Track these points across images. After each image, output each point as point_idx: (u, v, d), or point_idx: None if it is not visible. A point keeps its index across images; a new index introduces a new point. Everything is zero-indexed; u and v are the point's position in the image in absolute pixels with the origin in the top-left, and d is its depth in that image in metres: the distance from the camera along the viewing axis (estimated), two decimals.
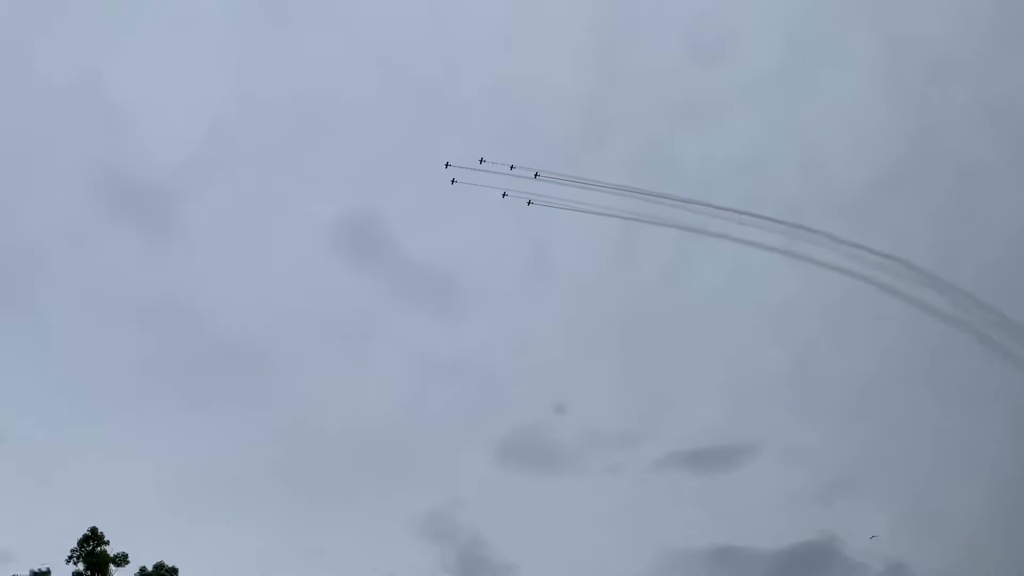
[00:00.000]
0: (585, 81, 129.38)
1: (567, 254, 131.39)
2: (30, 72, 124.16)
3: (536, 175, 71.12)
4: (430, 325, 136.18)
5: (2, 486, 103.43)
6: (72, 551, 52.76)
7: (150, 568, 54.82)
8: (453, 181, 70.55)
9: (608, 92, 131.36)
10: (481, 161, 69.72)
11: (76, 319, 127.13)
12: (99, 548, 53.20)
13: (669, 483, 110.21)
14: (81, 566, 52.51)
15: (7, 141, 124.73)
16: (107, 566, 53.24)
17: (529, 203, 72.97)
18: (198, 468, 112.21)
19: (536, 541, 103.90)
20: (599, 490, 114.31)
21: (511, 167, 69.99)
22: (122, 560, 54.04)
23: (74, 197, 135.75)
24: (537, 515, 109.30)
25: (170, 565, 55.28)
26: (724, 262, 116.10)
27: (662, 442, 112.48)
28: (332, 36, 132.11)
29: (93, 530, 53.45)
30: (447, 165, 70.79)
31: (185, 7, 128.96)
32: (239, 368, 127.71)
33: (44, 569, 51.73)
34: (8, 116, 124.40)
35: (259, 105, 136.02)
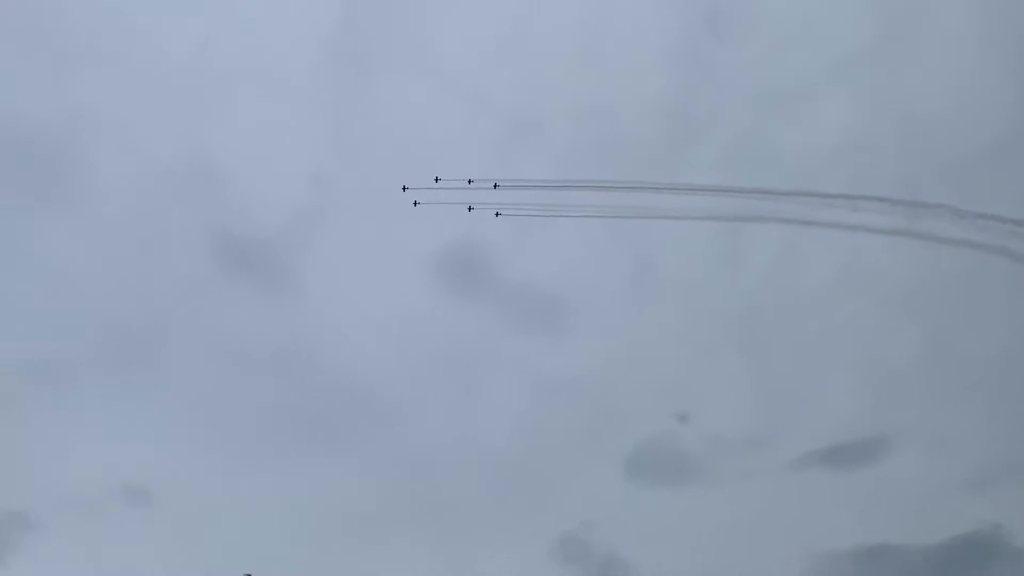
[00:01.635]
0: (666, 83, 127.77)
1: (670, 262, 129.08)
2: (144, 151, 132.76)
3: (495, 186, 69.54)
4: (540, 347, 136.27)
5: (157, 542, 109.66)
6: None
7: None
8: (416, 203, 69.55)
9: (690, 91, 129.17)
10: (437, 180, 68.61)
11: (204, 376, 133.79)
12: None
13: (807, 484, 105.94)
14: None
15: (128, 215, 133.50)
16: None
17: (497, 214, 71.24)
18: (334, 508, 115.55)
19: (674, 556, 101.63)
20: (733, 498, 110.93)
21: (469, 181, 68.66)
22: None
23: (191, 261, 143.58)
24: (672, 529, 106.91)
25: None
26: (838, 251, 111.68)
27: (794, 442, 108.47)
28: (415, 77, 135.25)
29: None
30: (404, 188, 69.70)
31: (276, 73, 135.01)
32: (362, 408, 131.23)
33: None
34: (127, 193, 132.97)
35: (352, 152, 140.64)
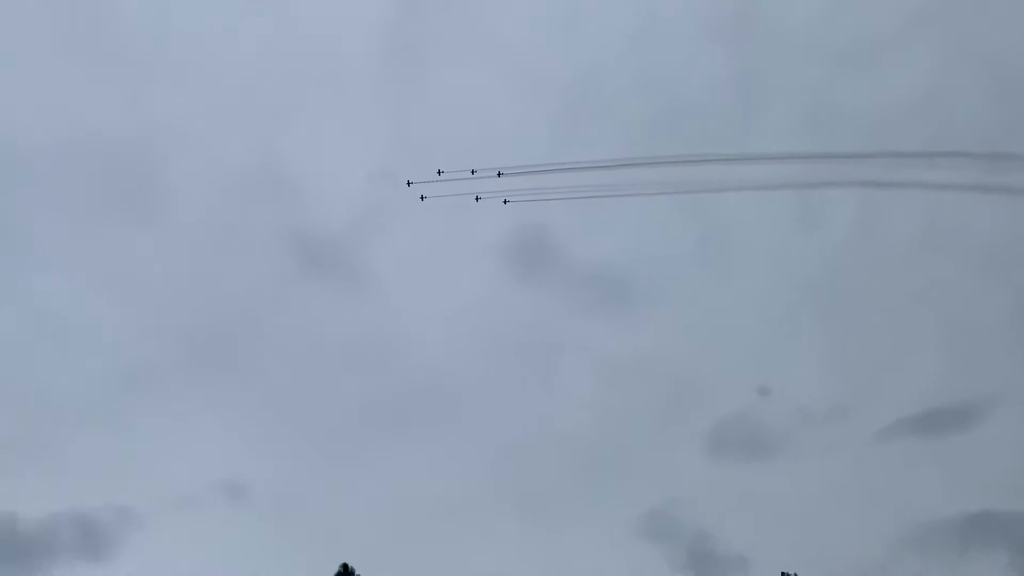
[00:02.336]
0: (728, 50, 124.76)
1: (742, 233, 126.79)
2: (218, 159, 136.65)
3: (499, 174, 67.37)
4: (612, 328, 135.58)
5: (254, 535, 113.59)
6: None
7: None
8: (423, 198, 68.77)
9: (755, 56, 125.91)
10: (440, 172, 66.92)
11: (288, 373, 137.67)
12: None
13: (898, 452, 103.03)
14: None
15: (206, 223, 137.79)
16: None
17: (505, 202, 69.98)
18: (421, 496, 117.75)
19: (762, 530, 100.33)
20: (820, 470, 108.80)
21: (472, 171, 67.06)
22: None
23: (269, 263, 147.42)
24: (758, 503, 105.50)
25: None
26: (918, 211, 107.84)
27: (882, 410, 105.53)
28: (474, 64, 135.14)
29: (344, 566, 57.24)
30: (409, 184, 68.89)
31: (338, 71, 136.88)
32: (441, 397, 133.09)
33: None
34: (204, 201, 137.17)
35: (414, 144, 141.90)
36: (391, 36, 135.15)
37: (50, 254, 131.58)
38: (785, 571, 56.86)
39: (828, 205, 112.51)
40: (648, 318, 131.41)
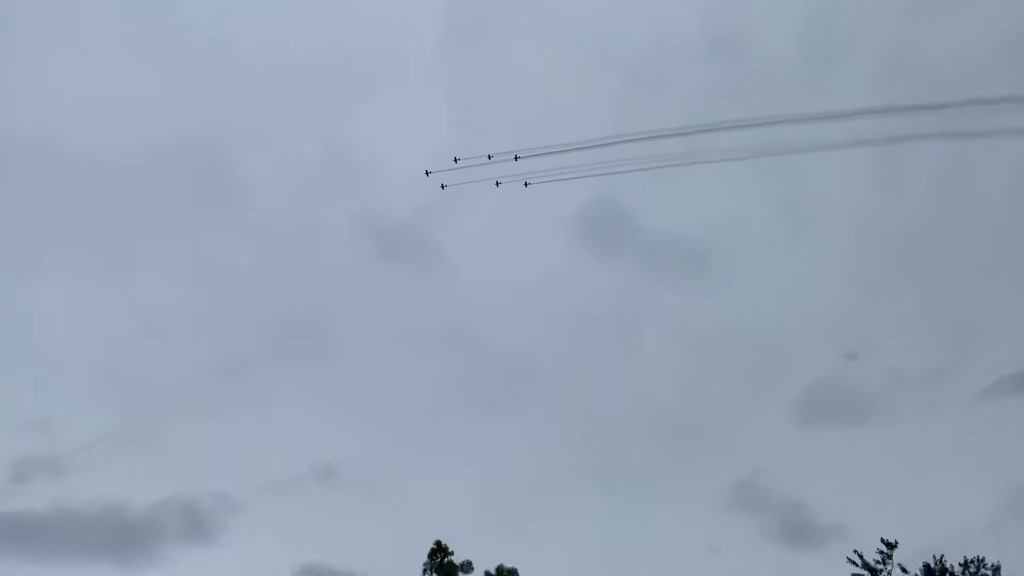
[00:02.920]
0: (800, 5, 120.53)
1: (821, 195, 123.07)
2: (289, 151, 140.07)
3: (516, 157, 66.64)
4: (692, 297, 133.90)
5: (349, 516, 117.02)
6: (424, 564, 57.97)
7: (493, 571, 58.67)
8: (443, 187, 68.15)
9: (829, 7, 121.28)
10: (456, 160, 66.78)
11: (373, 357, 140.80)
12: (446, 559, 57.96)
13: (1002, 413, 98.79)
14: None
15: (282, 214, 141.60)
16: (456, 573, 57.80)
17: (526, 184, 68.86)
18: (509, 473, 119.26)
19: (858, 497, 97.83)
20: (918, 433, 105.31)
21: (488, 156, 66.50)
22: (468, 567, 58.46)
23: (346, 251, 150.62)
24: (853, 470, 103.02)
25: (509, 566, 58.78)
26: (1007, 161, 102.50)
27: (981, 371, 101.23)
28: (534, 41, 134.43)
29: (438, 543, 58.44)
30: (427, 173, 67.75)
31: (399, 56, 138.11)
32: (524, 374, 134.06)
33: None
34: (279, 193, 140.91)
35: (479, 124, 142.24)
36: (449, 18, 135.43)
37: (144, 255, 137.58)
38: (885, 538, 55.38)
39: (911, 160, 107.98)
40: (729, 286, 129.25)
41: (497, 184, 67.85)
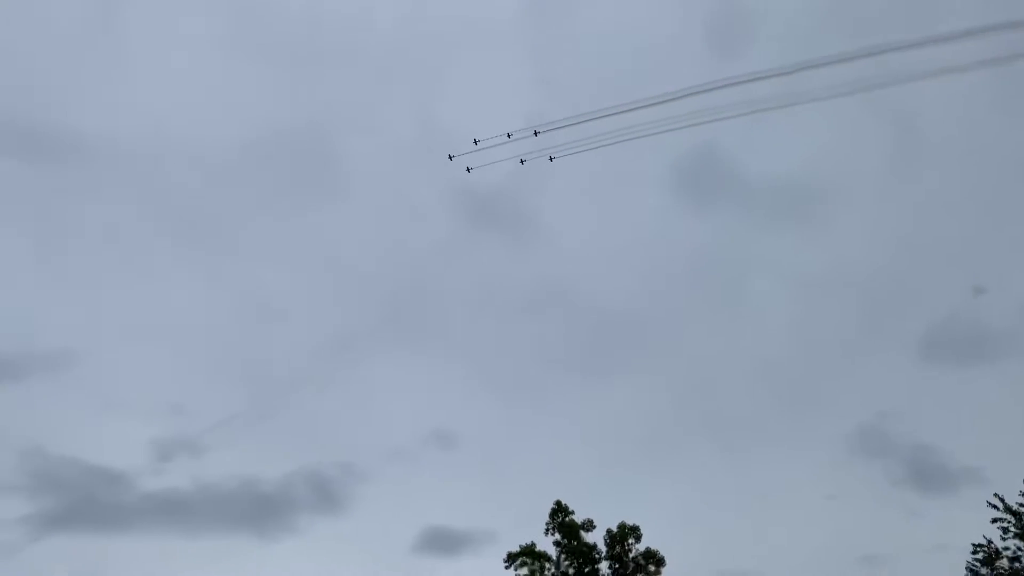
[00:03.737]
0: None
1: (936, 124, 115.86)
2: (384, 130, 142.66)
3: (536, 133, 65.13)
4: (800, 242, 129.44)
5: (467, 480, 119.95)
6: (546, 524, 58.97)
7: (615, 529, 59.11)
8: (469, 169, 67.22)
9: None
10: (476, 142, 65.67)
11: (478, 325, 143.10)
12: (567, 518, 58.76)
13: None
14: (558, 536, 58.40)
15: (381, 193, 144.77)
16: (577, 532, 58.57)
17: (551, 159, 67.13)
18: (621, 432, 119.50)
19: (993, 438, 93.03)
20: None
21: (508, 135, 65.11)
22: (589, 525, 59.10)
23: (445, 222, 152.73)
24: (985, 410, 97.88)
25: (631, 524, 59.10)
26: None
27: None
28: None
29: (558, 503, 59.26)
30: (451, 158, 67.08)
31: (482, 25, 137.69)
32: (625, 331, 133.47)
33: (529, 542, 58.55)
34: (378, 173, 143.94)
35: (565, 83, 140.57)
36: None
37: (255, 244, 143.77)
38: None
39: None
40: (839, 227, 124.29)
41: (522, 162, 67.86)
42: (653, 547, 58.01)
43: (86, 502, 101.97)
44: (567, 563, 57.78)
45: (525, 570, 57.42)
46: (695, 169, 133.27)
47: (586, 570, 57.45)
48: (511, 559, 57.87)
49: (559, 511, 58.90)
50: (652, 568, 57.38)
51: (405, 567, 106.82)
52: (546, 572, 57.40)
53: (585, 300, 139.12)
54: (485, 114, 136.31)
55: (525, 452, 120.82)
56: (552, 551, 58.21)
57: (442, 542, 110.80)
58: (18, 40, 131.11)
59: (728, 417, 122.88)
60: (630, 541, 58.45)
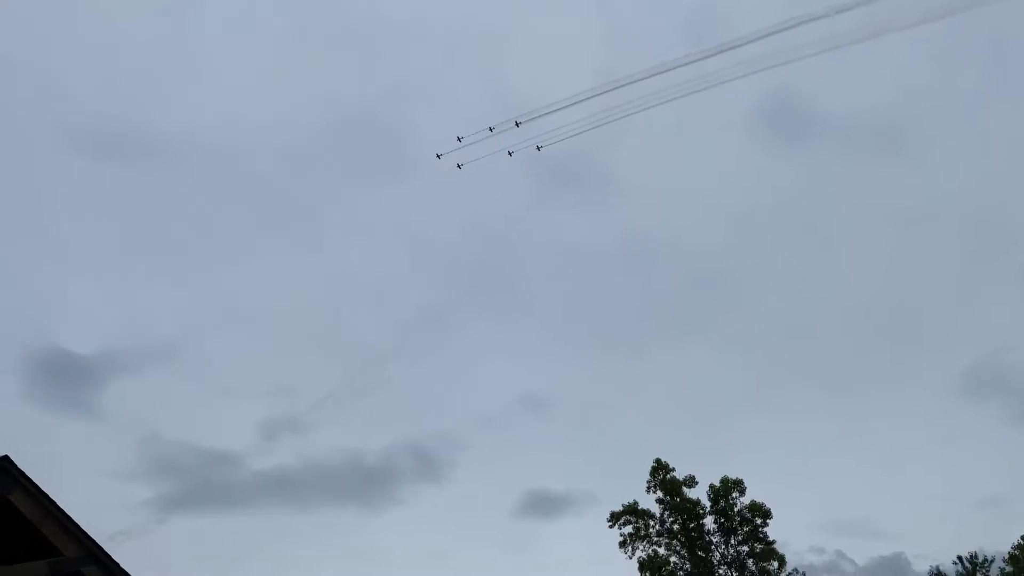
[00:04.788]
0: None
1: None
2: (456, 99, 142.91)
3: (517, 124, 64.44)
4: (895, 177, 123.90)
5: (563, 443, 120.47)
6: (647, 482, 58.88)
7: (717, 484, 58.59)
8: (459, 166, 67.00)
9: None
10: (460, 139, 65.41)
11: (562, 288, 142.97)
12: (668, 476, 58.51)
13: None
14: (660, 493, 58.29)
15: (446, 172, 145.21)
16: (680, 489, 58.28)
17: (538, 148, 66.39)
18: (718, 386, 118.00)
19: None
20: None
21: (490, 129, 64.45)
22: (690, 482, 58.72)
23: (520, 187, 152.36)
24: None
25: (734, 478, 58.44)
26: None
27: None
28: None
29: (658, 461, 59.05)
30: (439, 156, 67.17)
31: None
32: (715, 282, 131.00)
33: (631, 500, 58.58)
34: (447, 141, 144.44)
35: (632, 38, 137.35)
36: None
37: (341, 224, 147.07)
38: None
39: None
40: (933, 158, 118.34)
41: (510, 154, 68.26)
42: (758, 500, 57.24)
43: (202, 484, 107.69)
44: (671, 520, 57.63)
45: (630, 528, 57.60)
46: (775, 112, 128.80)
47: (691, 526, 57.17)
48: (614, 518, 58.11)
49: (659, 469, 58.63)
50: (759, 521, 56.65)
51: (509, 530, 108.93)
52: (650, 529, 57.42)
53: (670, 254, 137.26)
54: (554, 75, 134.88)
55: (619, 412, 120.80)
56: (655, 509, 58.15)
57: (543, 505, 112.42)
58: (98, 48, 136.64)
59: (830, 362, 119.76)
60: (734, 495, 57.77)
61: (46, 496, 14.91)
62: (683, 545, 56.50)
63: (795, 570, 54.98)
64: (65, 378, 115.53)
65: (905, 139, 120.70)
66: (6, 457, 14.74)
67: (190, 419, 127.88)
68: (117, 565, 14.88)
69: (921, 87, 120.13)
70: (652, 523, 57.65)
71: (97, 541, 15.03)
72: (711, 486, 58.67)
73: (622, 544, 57.23)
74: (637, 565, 56.14)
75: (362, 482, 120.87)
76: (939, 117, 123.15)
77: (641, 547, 57.04)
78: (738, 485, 58.26)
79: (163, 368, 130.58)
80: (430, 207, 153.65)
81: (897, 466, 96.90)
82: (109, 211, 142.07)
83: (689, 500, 57.66)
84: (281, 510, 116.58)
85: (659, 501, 58.34)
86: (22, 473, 14.62)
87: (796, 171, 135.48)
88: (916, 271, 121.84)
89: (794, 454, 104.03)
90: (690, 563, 55.63)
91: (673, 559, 56.20)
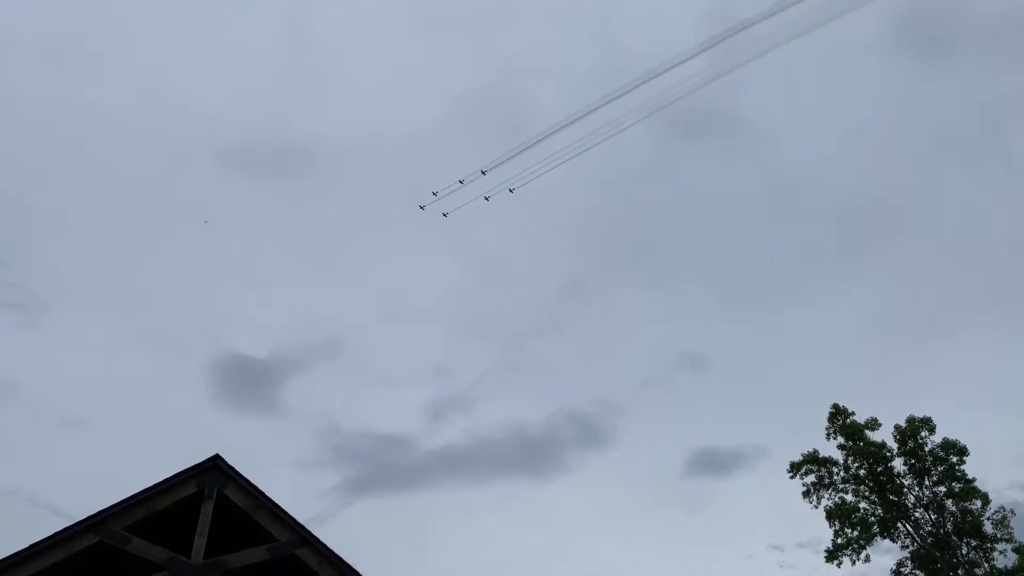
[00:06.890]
0: None
1: None
2: (570, 62, 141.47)
3: (483, 172, 66.11)
4: None
5: (724, 399, 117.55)
6: (826, 429, 56.43)
7: (903, 424, 55.34)
8: (445, 214, 68.16)
9: None
10: (435, 194, 67.18)
11: (703, 240, 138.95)
12: (848, 420, 55.81)
13: None
14: (840, 439, 55.78)
15: (583, 128, 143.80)
16: (862, 433, 55.49)
17: (511, 191, 67.49)
18: (889, 324, 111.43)
19: None
20: None
21: (460, 181, 66.18)
22: (873, 424, 55.79)
23: (648, 144, 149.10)
24: None
25: (921, 416, 54.90)
26: None
27: None
28: None
29: (836, 406, 56.41)
30: (422, 207, 68.77)
31: None
32: (872, 218, 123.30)
33: (811, 450, 56.34)
34: (573, 107, 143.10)
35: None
36: None
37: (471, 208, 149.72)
38: None
39: None
40: None
41: (487, 199, 68.02)
42: (951, 437, 53.42)
43: (381, 467, 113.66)
44: (856, 465, 54.91)
45: (812, 477, 55.41)
46: (918, 23, 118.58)
47: (878, 469, 54.23)
48: (795, 468, 56.09)
49: (838, 414, 55.89)
50: (954, 459, 52.88)
51: (683, 491, 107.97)
52: (835, 476, 55.00)
53: (819, 192, 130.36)
54: (664, 30, 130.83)
55: (781, 362, 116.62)
56: (837, 456, 55.58)
57: (712, 463, 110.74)
58: (238, 76, 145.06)
59: (1012, 285, 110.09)
60: (923, 434, 54.18)
61: (256, 488, 16.06)
62: (872, 490, 53.73)
63: (1001, 507, 50.90)
64: (248, 381, 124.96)
65: None
66: (217, 456, 16.00)
67: (360, 408, 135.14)
68: (326, 547, 15.79)
69: None
70: (836, 470, 55.22)
71: (304, 526, 16.03)
72: (896, 427, 55.38)
73: (805, 494, 55.21)
74: (824, 514, 54.04)
75: (529, 453, 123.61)
76: None
77: (826, 495, 54.84)
78: (927, 423, 54.66)
79: (330, 364, 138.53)
80: (561, 175, 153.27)
81: None
82: (268, 224, 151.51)
83: (873, 443, 54.69)
84: (456, 485, 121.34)
85: (841, 447, 55.71)
86: (232, 468, 15.83)
87: (952, 81, 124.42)
88: None
89: (982, 387, 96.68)
90: (882, 508, 52.87)
91: (863, 505, 53.64)
